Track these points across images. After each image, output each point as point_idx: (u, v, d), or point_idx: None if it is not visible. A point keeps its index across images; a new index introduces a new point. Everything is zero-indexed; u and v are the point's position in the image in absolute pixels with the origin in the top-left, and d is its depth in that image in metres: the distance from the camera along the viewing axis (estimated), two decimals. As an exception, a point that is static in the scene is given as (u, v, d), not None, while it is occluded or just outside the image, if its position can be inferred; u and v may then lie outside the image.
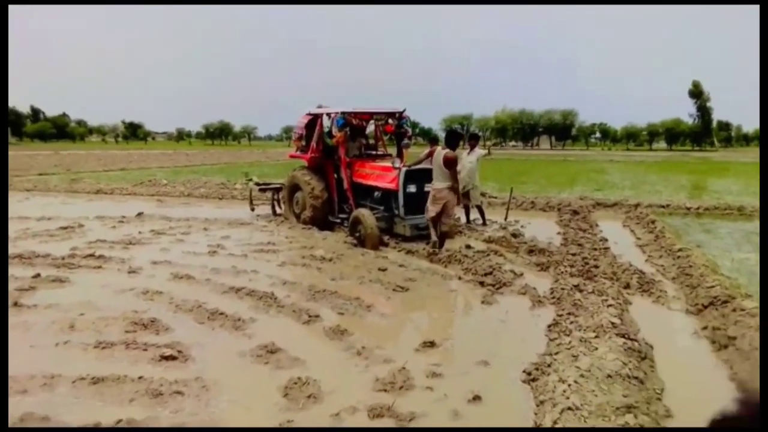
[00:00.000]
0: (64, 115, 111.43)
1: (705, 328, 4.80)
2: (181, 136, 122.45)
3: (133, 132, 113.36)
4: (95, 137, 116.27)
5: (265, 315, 5.06)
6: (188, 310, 5.11)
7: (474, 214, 10.35)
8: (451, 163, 7.48)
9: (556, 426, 2.99)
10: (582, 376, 3.45)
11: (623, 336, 4.15)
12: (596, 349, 3.88)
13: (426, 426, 3.20)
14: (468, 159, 9.87)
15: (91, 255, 7.25)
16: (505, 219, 10.64)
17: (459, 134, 8.08)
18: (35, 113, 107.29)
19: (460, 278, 6.47)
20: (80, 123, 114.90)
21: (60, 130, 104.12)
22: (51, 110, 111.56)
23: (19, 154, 41.81)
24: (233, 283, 5.96)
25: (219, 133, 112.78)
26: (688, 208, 12.36)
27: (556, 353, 3.91)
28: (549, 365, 3.72)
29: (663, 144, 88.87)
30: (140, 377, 3.68)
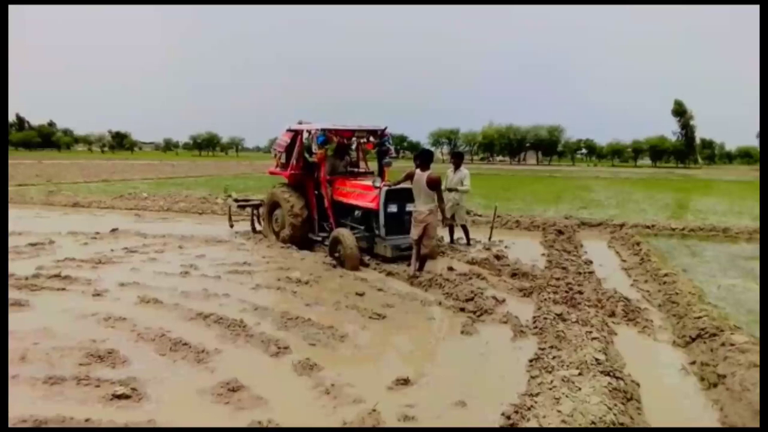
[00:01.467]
0: (50, 123, 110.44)
1: (693, 363, 4.60)
2: (169, 146, 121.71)
3: (120, 142, 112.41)
4: (81, 146, 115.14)
5: (232, 345, 4.77)
6: (150, 339, 4.82)
7: (458, 233, 10.15)
8: (435, 185, 7.20)
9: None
10: (563, 422, 3.21)
11: (608, 374, 3.93)
12: (579, 389, 3.64)
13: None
14: (454, 178, 9.70)
15: (57, 275, 6.92)
16: (489, 239, 10.45)
17: (431, 153, 7.90)
18: (20, 122, 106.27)
19: (440, 304, 6.23)
20: (66, 132, 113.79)
21: (45, 139, 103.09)
22: (36, 119, 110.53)
23: (0, 163, 41.13)
24: (202, 308, 5.67)
25: (206, 144, 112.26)
26: (674, 229, 12.25)
27: (537, 394, 3.67)
28: (529, 408, 3.48)
29: (648, 160, 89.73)
30: (87, 419, 3.39)
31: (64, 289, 6.48)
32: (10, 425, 3.37)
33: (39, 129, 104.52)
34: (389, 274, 7.56)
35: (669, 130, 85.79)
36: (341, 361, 4.57)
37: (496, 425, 3.44)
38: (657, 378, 4.42)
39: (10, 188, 20.00)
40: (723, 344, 4.55)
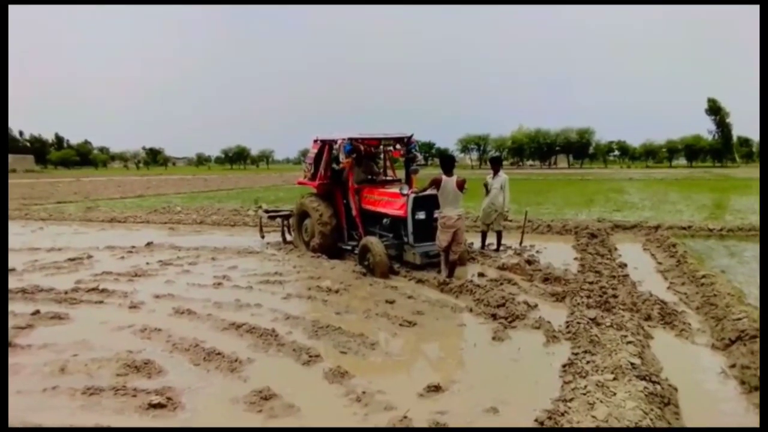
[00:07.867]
0: (87, 142, 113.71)
1: (733, 366, 4.46)
2: (201, 160, 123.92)
3: (154, 158, 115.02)
4: (117, 164, 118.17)
5: (264, 354, 4.82)
6: (185, 349, 4.91)
7: (490, 239, 10.08)
8: (463, 186, 7.52)
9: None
10: (598, 427, 3.15)
11: (644, 378, 3.84)
12: (614, 394, 3.57)
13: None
14: (493, 184, 9.68)
15: (95, 289, 7.12)
16: (520, 244, 10.34)
17: (453, 158, 8.13)
18: (59, 141, 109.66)
19: (471, 310, 6.19)
20: (103, 150, 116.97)
21: (83, 157, 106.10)
22: (74, 138, 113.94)
23: (41, 182, 42.55)
24: (235, 319, 5.75)
25: (237, 158, 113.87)
26: (711, 230, 11.91)
27: (571, 399, 3.60)
28: (563, 414, 3.42)
29: (683, 161, 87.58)
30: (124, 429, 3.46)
31: (101, 302, 6.65)
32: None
33: (77, 148, 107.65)
34: (419, 281, 7.54)
35: (704, 128, 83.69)
36: (372, 368, 4.58)
37: None
38: (695, 382, 4.30)
39: (48, 206, 20.65)
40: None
